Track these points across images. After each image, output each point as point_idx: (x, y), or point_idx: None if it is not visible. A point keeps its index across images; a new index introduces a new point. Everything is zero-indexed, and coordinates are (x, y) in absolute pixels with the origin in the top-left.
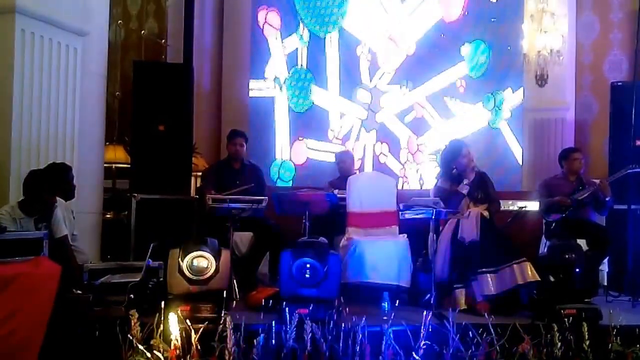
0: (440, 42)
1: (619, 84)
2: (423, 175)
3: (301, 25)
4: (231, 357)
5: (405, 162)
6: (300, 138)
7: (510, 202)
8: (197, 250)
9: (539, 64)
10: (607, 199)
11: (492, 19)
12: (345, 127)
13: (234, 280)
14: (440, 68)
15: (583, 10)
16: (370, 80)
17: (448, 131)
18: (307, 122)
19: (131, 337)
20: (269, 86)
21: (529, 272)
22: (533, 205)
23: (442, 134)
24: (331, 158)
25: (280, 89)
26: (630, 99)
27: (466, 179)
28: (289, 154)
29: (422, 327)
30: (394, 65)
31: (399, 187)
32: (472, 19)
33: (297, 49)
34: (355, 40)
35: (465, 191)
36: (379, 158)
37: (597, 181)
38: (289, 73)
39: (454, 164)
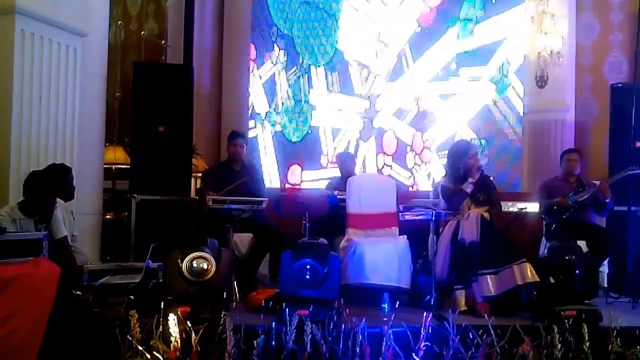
0: (427, 34)
1: (619, 85)
2: (435, 178)
3: (276, 49)
4: (231, 359)
5: (412, 167)
6: (297, 163)
7: (510, 203)
8: (197, 251)
9: (539, 65)
10: (607, 200)
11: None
12: (342, 145)
13: (234, 281)
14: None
15: (583, 12)
16: (363, 85)
17: (453, 117)
18: (300, 151)
19: (131, 338)
20: (251, 126)
21: (529, 273)
22: (533, 207)
23: (447, 124)
24: (325, 184)
25: (262, 125)
26: (631, 101)
27: (471, 178)
28: (278, 181)
29: (422, 328)
30: (387, 67)
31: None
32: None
33: (273, 73)
34: (342, 52)
35: (469, 189)
36: (382, 171)
37: (597, 182)
38: (284, 104)
39: (461, 163)
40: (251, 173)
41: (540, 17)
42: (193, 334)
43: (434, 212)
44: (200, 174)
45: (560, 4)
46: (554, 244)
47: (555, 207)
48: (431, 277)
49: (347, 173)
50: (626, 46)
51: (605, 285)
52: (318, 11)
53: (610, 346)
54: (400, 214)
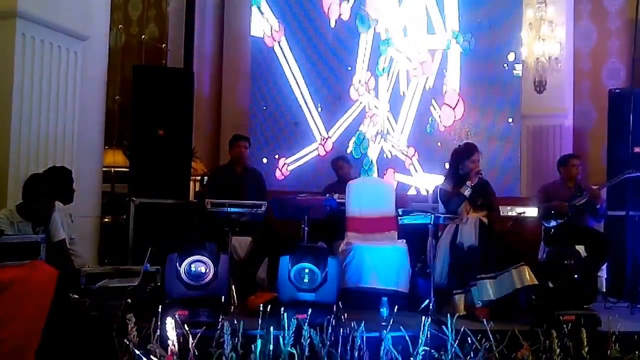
0: None
1: (617, 91)
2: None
3: None
4: None
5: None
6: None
7: (509, 207)
8: (195, 255)
9: (537, 70)
10: (597, 206)
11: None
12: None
13: (233, 285)
14: None
15: (581, 19)
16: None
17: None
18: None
19: (128, 342)
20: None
21: (527, 276)
22: (532, 211)
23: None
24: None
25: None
26: (628, 106)
27: (469, 181)
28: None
29: (421, 333)
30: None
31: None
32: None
33: None
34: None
35: (467, 193)
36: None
37: (596, 187)
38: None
39: (462, 165)
40: (254, 178)
41: (538, 23)
42: (190, 338)
43: (432, 216)
44: (199, 178)
45: (558, 11)
46: (553, 248)
47: (553, 212)
48: (430, 282)
49: (344, 177)
50: (624, 52)
51: (604, 290)
52: None
53: (609, 351)
54: (399, 217)
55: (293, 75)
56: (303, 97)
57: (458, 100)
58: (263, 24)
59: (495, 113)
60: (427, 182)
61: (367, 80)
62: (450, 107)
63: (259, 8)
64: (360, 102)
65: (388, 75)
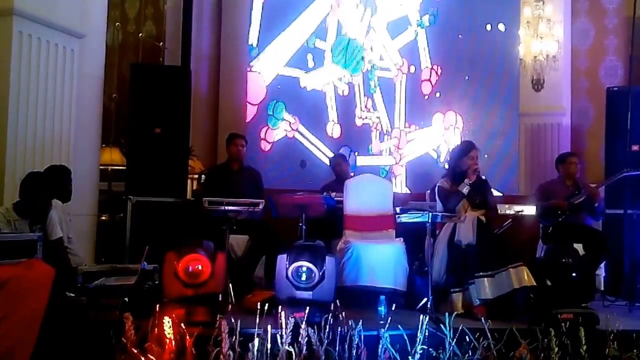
0: None
1: (615, 89)
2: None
3: None
4: None
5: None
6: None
7: (507, 206)
8: (192, 253)
9: (535, 68)
10: (595, 205)
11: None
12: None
13: (230, 284)
14: None
15: (578, 17)
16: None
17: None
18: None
19: (125, 341)
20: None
21: (525, 277)
22: (530, 210)
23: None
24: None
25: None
26: (626, 104)
27: (467, 179)
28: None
29: (419, 332)
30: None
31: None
32: None
33: None
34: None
35: (465, 191)
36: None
37: (593, 186)
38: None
39: (460, 162)
40: (251, 176)
41: (535, 21)
42: (188, 337)
43: (430, 214)
44: (196, 176)
45: (556, 9)
46: (551, 246)
47: (551, 210)
48: (428, 280)
49: (342, 175)
50: (621, 50)
51: (602, 289)
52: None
53: (607, 350)
54: (397, 216)
55: (309, 140)
56: (317, 148)
57: (431, 73)
58: (284, 125)
59: (493, 107)
60: (431, 136)
61: (366, 104)
62: (426, 80)
63: (283, 119)
64: (363, 123)
65: (380, 88)
